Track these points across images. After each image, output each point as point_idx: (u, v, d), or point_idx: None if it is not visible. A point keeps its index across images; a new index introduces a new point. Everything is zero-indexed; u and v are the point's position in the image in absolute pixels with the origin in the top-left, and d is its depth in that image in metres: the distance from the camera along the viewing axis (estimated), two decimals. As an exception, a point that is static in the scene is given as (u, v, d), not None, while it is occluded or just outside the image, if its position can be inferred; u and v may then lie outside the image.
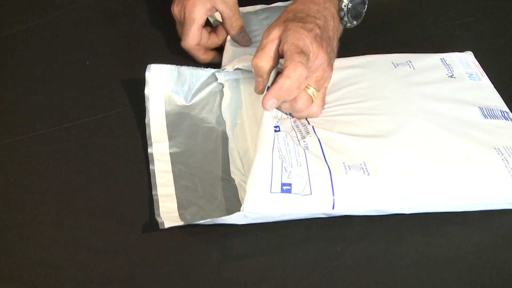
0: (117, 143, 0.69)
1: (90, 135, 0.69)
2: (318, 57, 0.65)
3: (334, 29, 0.70)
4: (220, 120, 0.72)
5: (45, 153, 0.67)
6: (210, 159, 0.68)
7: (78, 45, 0.81)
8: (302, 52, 0.63)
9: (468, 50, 0.83)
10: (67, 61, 0.79)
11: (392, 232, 0.63)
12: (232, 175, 0.66)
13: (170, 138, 0.69)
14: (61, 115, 0.71)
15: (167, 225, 0.59)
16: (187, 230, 0.61)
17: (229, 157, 0.68)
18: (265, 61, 0.66)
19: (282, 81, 0.63)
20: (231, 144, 0.69)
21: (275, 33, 0.66)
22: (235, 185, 0.65)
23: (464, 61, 0.78)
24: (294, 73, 0.62)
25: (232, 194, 0.64)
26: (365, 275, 0.59)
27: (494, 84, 0.78)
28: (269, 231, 0.62)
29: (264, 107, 0.63)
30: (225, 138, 0.70)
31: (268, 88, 0.65)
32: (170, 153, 0.68)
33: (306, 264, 0.59)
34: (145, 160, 0.66)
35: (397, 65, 0.76)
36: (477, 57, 0.81)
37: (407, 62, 0.77)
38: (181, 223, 0.60)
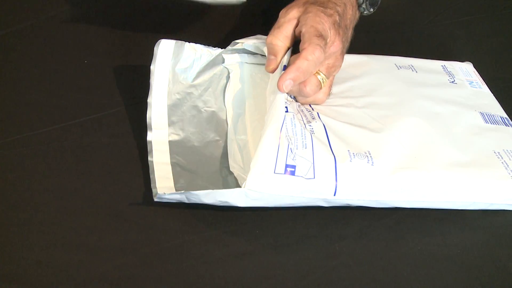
0: (115, 142, 0.69)
1: (89, 134, 0.69)
2: (334, 44, 0.65)
3: (351, 18, 0.70)
4: (222, 106, 0.72)
5: (44, 152, 0.66)
6: (209, 150, 0.68)
7: (76, 44, 0.81)
8: (321, 36, 0.63)
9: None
10: (65, 60, 0.78)
11: (391, 231, 0.63)
12: (231, 169, 0.66)
13: (170, 123, 0.69)
14: (59, 114, 0.71)
15: (159, 186, 0.60)
16: (186, 230, 0.61)
17: (228, 149, 0.68)
18: (280, 39, 0.65)
19: (300, 62, 0.62)
20: (231, 135, 0.69)
21: (294, 14, 0.66)
22: (235, 177, 0.65)
23: (465, 70, 0.80)
24: (312, 55, 0.62)
25: (232, 186, 0.64)
26: (364, 274, 0.59)
27: (493, 83, 0.78)
28: (268, 230, 0.62)
29: (279, 87, 0.62)
30: (225, 127, 0.70)
31: (284, 68, 0.64)
32: (169, 141, 0.67)
33: (305, 263, 0.59)
34: (144, 159, 0.66)
35: (400, 67, 0.77)
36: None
37: (409, 66, 0.78)
38: (177, 192, 0.60)
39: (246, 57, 0.74)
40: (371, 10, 0.72)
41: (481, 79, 0.79)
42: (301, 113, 0.66)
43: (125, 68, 0.78)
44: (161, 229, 0.61)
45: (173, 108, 0.70)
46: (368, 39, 0.85)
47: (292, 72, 0.62)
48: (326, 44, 0.63)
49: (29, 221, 0.60)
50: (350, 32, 0.70)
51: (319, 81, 0.65)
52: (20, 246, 0.58)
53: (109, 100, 0.73)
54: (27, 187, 0.63)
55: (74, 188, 0.63)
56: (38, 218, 0.60)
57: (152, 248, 0.59)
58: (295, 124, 0.63)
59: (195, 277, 0.57)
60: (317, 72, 0.65)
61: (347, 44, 0.69)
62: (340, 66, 0.68)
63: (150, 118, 0.68)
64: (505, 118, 0.73)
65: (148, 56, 0.71)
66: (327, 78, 0.66)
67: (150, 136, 0.67)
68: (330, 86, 0.69)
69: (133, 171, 0.65)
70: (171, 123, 0.69)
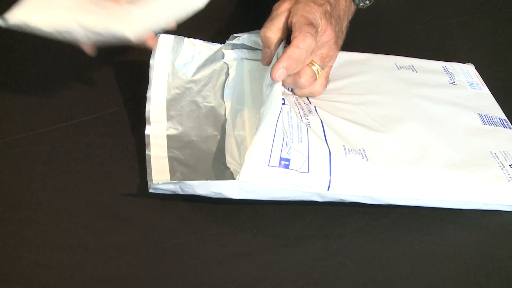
0: (114, 142, 0.69)
1: (86, 134, 0.69)
2: (326, 33, 0.65)
3: (345, 9, 0.70)
4: (221, 101, 0.72)
5: (41, 152, 0.66)
6: (207, 145, 0.68)
7: (73, 44, 0.81)
8: (311, 24, 0.63)
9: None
10: (62, 60, 0.78)
11: (389, 230, 0.63)
12: (228, 164, 0.66)
13: (169, 118, 0.69)
14: (57, 115, 0.71)
15: (156, 179, 0.60)
16: (184, 230, 0.61)
17: (225, 145, 0.68)
18: (274, 32, 0.66)
19: (292, 51, 0.62)
20: (229, 131, 0.69)
21: (286, 6, 0.66)
22: (231, 172, 0.65)
23: (466, 71, 0.80)
24: (303, 43, 0.62)
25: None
26: (362, 273, 0.59)
27: (491, 83, 0.78)
28: (265, 230, 0.62)
29: (272, 77, 0.62)
30: (223, 122, 0.70)
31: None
32: (167, 135, 0.67)
33: (303, 263, 0.60)
34: (143, 159, 0.66)
35: (400, 67, 0.77)
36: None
37: (410, 66, 0.78)
38: (171, 181, 0.60)
39: (245, 53, 0.74)
40: (367, 2, 0.72)
41: (481, 80, 0.79)
42: (298, 106, 0.66)
43: (124, 67, 0.78)
44: (159, 229, 0.61)
45: (172, 102, 0.70)
46: (366, 38, 0.85)
47: (284, 61, 0.62)
48: (317, 32, 0.64)
49: (26, 221, 0.60)
50: (345, 23, 0.70)
51: (314, 72, 0.66)
52: (17, 245, 0.58)
53: (108, 99, 0.73)
54: (24, 187, 0.63)
55: (73, 188, 0.63)
56: (35, 218, 0.60)
57: (151, 248, 0.59)
58: (291, 117, 0.63)
59: (194, 277, 0.57)
60: (311, 63, 0.66)
61: (342, 35, 0.69)
62: (335, 56, 0.68)
63: (149, 112, 0.68)
64: (504, 120, 0.73)
65: (146, 54, 0.71)
66: (322, 68, 0.67)
67: (148, 130, 0.67)
68: (327, 78, 0.69)
69: (132, 171, 0.65)
70: (169, 118, 0.69)
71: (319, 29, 0.64)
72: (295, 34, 0.63)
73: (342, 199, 0.62)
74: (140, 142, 0.68)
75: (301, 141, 0.61)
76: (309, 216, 0.63)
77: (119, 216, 0.62)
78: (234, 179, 0.63)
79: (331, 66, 0.68)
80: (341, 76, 0.72)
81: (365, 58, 0.78)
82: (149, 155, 0.65)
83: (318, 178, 0.60)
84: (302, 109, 0.66)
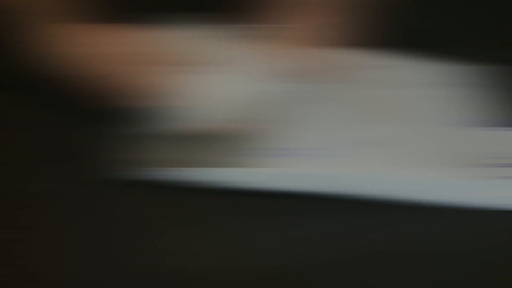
0: (99, 139, 0.68)
1: (68, 132, 0.69)
2: (300, 20, 0.67)
3: None
4: None
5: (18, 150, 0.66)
6: (205, 139, 0.68)
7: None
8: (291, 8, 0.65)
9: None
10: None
11: (387, 230, 0.63)
12: (227, 159, 0.66)
13: None
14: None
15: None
16: (182, 228, 0.61)
17: (225, 138, 0.68)
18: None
19: (276, 39, 0.64)
20: (230, 125, 0.69)
21: None
22: (230, 164, 0.65)
23: (464, 72, 0.81)
24: (286, 29, 0.65)
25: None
26: (358, 273, 0.59)
27: (489, 82, 0.79)
28: (262, 229, 0.62)
29: (270, 63, 0.64)
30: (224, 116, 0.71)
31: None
32: (167, 130, 0.67)
33: (297, 263, 0.59)
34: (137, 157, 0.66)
35: (398, 66, 0.78)
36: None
37: (407, 65, 0.79)
38: (170, 169, 0.61)
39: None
40: None
41: (479, 81, 0.80)
42: (302, 94, 0.67)
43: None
44: (154, 230, 0.61)
45: None
46: (365, 37, 0.85)
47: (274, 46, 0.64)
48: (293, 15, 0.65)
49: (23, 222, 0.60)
50: (335, 10, 0.70)
51: (306, 54, 0.66)
52: (15, 247, 0.58)
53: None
54: (22, 188, 0.63)
55: (69, 188, 0.63)
56: (33, 219, 0.60)
57: (147, 249, 0.59)
58: (293, 105, 0.65)
59: (192, 277, 0.57)
60: (304, 46, 0.66)
61: (334, 18, 0.69)
62: (329, 39, 0.68)
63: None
64: (500, 120, 0.74)
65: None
66: (317, 49, 0.67)
67: (147, 124, 0.67)
68: (323, 62, 0.68)
69: (128, 170, 0.65)
70: None
71: (295, 13, 0.66)
72: (275, 21, 0.65)
73: (339, 192, 0.63)
74: (136, 141, 0.68)
75: (302, 131, 0.62)
76: (304, 215, 0.63)
77: (117, 217, 0.61)
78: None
79: (328, 49, 0.68)
80: (339, 71, 0.73)
81: (362, 55, 0.78)
82: (147, 148, 0.65)
83: (317, 170, 0.61)
84: (306, 98, 0.67)
